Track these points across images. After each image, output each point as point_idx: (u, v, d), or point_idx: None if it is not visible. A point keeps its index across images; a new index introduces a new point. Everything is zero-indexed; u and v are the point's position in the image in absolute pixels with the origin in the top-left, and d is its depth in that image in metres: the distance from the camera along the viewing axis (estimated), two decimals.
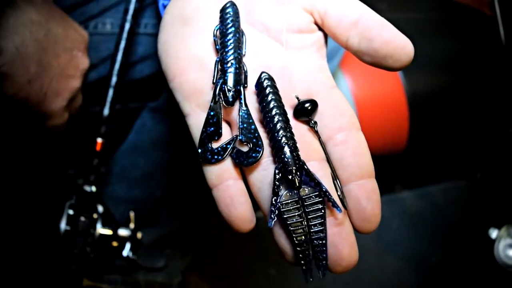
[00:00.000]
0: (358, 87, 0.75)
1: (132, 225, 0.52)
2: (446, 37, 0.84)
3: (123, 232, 0.52)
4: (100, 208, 0.50)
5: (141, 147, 0.59)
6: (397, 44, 0.25)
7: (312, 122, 0.25)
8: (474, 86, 0.84)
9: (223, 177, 0.24)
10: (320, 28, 0.29)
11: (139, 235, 0.53)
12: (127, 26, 0.45)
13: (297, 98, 0.26)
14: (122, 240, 0.52)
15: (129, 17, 0.45)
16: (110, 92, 0.46)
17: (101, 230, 0.49)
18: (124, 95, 0.52)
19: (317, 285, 0.89)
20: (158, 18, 0.52)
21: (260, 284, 0.89)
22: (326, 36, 0.29)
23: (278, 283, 0.90)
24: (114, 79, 0.46)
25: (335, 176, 0.24)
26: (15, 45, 0.36)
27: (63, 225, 0.49)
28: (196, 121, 0.26)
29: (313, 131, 0.25)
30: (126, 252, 0.52)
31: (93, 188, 0.49)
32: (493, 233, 0.76)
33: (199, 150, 0.25)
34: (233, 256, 0.89)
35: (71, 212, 0.49)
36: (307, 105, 0.25)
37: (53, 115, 0.42)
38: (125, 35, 0.45)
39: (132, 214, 0.54)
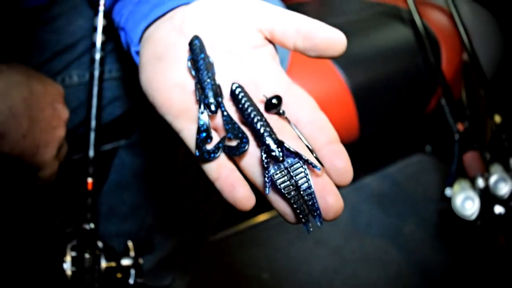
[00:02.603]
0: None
1: (132, 253, 0.56)
2: (371, 34, 0.95)
3: (126, 261, 0.55)
4: (100, 244, 0.54)
5: (124, 183, 0.63)
6: (332, 37, 0.32)
7: (281, 111, 0.32)
8: (405, 69, 0.95)
9: (221, 169, 0.30)
10: (270, 41, 0.36)
11: (140, 260, 0.57)
12: (96, 73, 0.51)
13: (265, 96, 0.32)
14: (126, 269, 0.55)
15: (96, 65, 0.50)
16: (92, 135, 0.51)
17: (105, 264, 0.53)
18: (98, 137, 0.56)
19: (309, 277, 0.94)
20: (121, 62, 0.57)
21: None
22: (275, 46, 0.36)
23: (271, 287, 0.95)
24: (93, 123, 0.51)
25: (308, 146, 0.31)
26: (7, 106, 0.40)
27: (68, 267, 0.51)
28: (189, 132, 0.32)
29: (283, 118, 0.32)
30: (132, 279, 0.55)
31: (92, 225, 0.52)
32: (449, 192, 0.85)
33: (197, 153, 0.31)
34: (227, 265, 0.93)
35: (74, 253, 0.52)
36: (274, 100, 0.32)
37: (46, 165, 0.46)
38: (96, 81, 0.50)
39: (130, 243, 0.58)
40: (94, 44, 0.52)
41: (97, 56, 0.51)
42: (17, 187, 0.54)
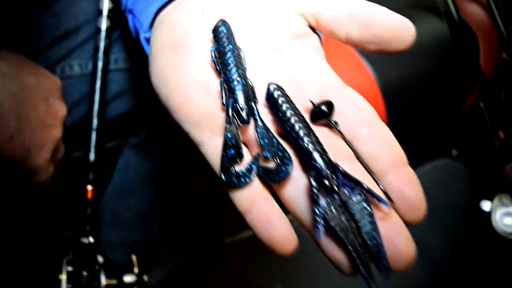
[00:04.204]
0: None
1: (136, 270, 0.50)
2: None
3: (128, 278, 0.49)
4: (100, 258, 0.48)
5: (129, 187, 0.57)
6: (398, 25, 0.25)
7: (333, 122, 0.25)
8: (440, 68, 0.87)
9: (254, 199, 0.23)
10: (314, 30, 0.28)
11: (145, 278, 0.50)
12: (100, 64, 0.44)
13: (312, 102, 0.25)
14: (129, 287, 0.49)
15: (100, 54, 0.43)
16: (93, 135, 0.44)
17: (105, 281, 0.47)
18: (101, 135, 0.50)
19: None
20: (129, 52, 0.50)
21: None
22: (320, 36, 0.29)
23: None
24: (95, 122, 0.44)
25: (370, 171, 0.23)
26: None
27: (64, 283, 0.46)
28: (213, 147, 0.25)
29: (336, 131, 0.25)
30: None
31: (91, 239, 0.46)
32: (485, 205, 0.78)
33: (223, 176, 0.24)
34: (238, 274, 0.87)
35: (70, 268, 0.46)
36: (323, 107, 0.24)
37: (39, 170, 0.40)
38: (99, 73, 0.43)
39: (134, 258, 0.51)
40: (98, 30, 0.44)
41: (102, 44, 0.44)
42: (9, 191, 0.48)
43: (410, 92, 0.84)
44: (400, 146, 0.24)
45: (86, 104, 0.49)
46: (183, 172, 0.56)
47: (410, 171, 0.23)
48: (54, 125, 0.40)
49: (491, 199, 0.71)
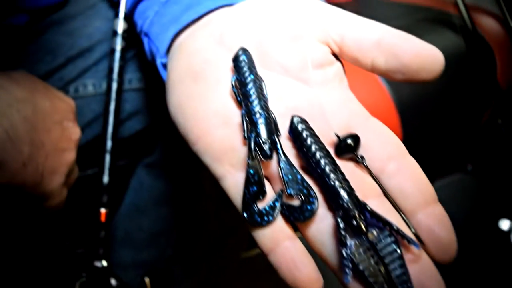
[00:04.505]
0: None
1: None
2: None
3: None
4: (114, 281, 0.47)
5: (142, 207, 0.56)
6: (427, 54, 0.24)
7: (359, 157, 0.24)
8: (455, 82, 0.85)
9: (278, 239, 0.22)
10: (337, 57, 0.27)
11: None
12: (114, 85, 0.43)
13: (337, 135, 0.24)
14: None
15: (115, 75, 0.43)
16: (107, 157, 0.43)
17: None
18: (115, 154, 0.49)
19: None
20: (144, 71, 0.50)
21: None
22: (343, 64, 0.28)
23: None
24: (109, 144, 0.43)
25: (399, 209, 0.22)
26: (4, 129, 0.33)
27: None
28: (234, 182, 0.24)
29: (362, 166, 0.24)
30: None
31: (104, 263, 0.45)
32: (504, 224, 0.76)
33: (245, 215, 0.23)
34: None
35: None
36: (349, 140, 0.23)
37: (52, 194, 0.39)
38: (113, 95, 0.43)
39: (147, 280, 0.50)
40: (113, 51, 0.44)
41: (116, 65, 0.43)
42: (22, 214, 0.47)
43: (425, 107, 0.83)
44: (429, 181, 0.23)
45: (100, 124, 0.49)
46: (197, 192, 0.55)
47: (440, 209, 0.22)
48: (68, 149, 0.39)
49: (510, 217, 0.69)
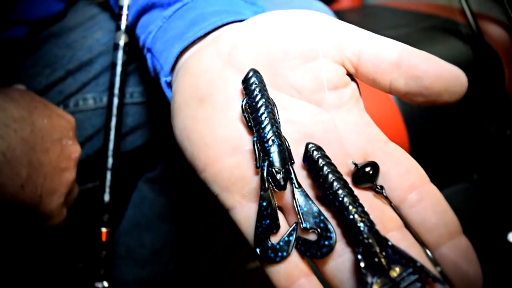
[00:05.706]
0: None
1: None
2: (424, 50, 0.84)
3: None
4: None
5: (144, 223, 0.54)
6: (449, 75, 0.22)
7: (378, 187, 0.22)
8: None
9: (293, 276, 0.20)
10: (352, 78, 0.26)
11: None
12: (115, 101, 0.41)
13: (354, 164, 0.22)
14: None
15: (116, 90, 0.41)
16: (108, 175, 0.42)
17: None
18: (116, 170, 0.48)
19: None
20: (146, 85, 0.48)
21: None
22: (358, 84, 0.27)
23: None
24: (110, 161, 0.42)
25: (423, 243, 0.21)
26: (1, 151, 0.31)
27: None
28: (245, 214, 0.22)
29: (382, 196, 0.22)
30: None
31: (105, 284, 0.43)
32: None
33: (258, 250, 0.21)
34: None
35: None
36: (367, 169, 0.22)
37: (52, 215, 0.37)
38: (115, 111, 0.41)
39: None
40: (114, 65, 0.42)
41: (117, 79, 0.41)
42: (22, 233, 0.46)
43: (432, 116, 0.81)
44: (452, 211, 0.22)
45: (100, 138, 0.47)
46: (200, 207, 0.53)
47: (465, 241, 0.21)
48: (68, 168, 0.38)
49: None
